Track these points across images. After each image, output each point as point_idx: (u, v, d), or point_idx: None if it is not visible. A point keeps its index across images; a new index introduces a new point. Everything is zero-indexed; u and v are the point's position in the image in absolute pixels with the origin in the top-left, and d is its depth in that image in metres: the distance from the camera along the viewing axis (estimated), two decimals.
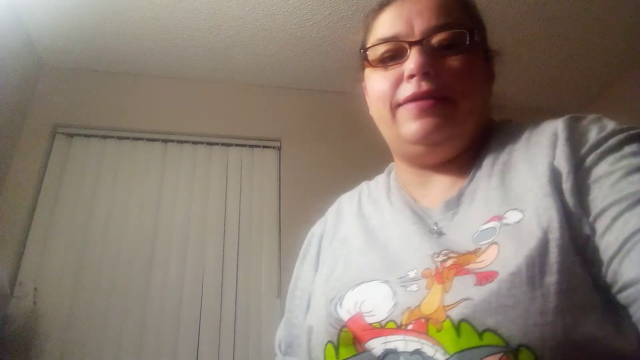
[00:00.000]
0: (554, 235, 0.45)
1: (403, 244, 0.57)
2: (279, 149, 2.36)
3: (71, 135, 2.20)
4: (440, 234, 0.55)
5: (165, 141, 2.26)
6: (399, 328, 0.48)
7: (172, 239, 2.07)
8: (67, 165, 2.14)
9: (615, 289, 0.43)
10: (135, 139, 2.24)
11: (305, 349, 0.58)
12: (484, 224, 0.51)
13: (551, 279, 0.43)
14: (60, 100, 2.22)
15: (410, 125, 0.58)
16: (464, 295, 0.45)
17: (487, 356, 0.41)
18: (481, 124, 0.62)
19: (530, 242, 0.45)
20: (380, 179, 0.73)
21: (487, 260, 0.47)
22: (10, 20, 1.94)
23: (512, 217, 0.49)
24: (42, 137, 2.14)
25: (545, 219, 0.46)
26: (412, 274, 0.52)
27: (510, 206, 0.51)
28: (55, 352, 1.78)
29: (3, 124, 1.97)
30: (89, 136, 2.21)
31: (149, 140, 2.25)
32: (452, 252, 0.51)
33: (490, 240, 0.49)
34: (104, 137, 2.22)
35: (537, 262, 0.44)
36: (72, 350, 1.79)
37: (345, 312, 0.53)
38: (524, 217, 0.48)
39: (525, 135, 0.57)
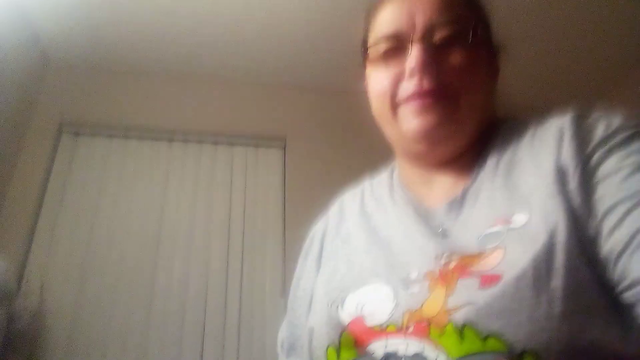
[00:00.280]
0: (560, 238, 0.44)
1: (406, 244, 0.56)
2: (284, 147, 2.36)
3: (77, 134, 2.21)
4: (444, 235, 0.54)
5: (170, 140, 2.27)
6: (400, 331, 0.47)
7: (177, 237, 2.07)
8: (73, 163, 2.15)
9: (621, 286, 0.42)
10: (140, 137, 2.24)
11: (306, 350, 0.57)
12: (489, 226, 0.50)
13: (557, 282, 0.42)
14: (66, 99, 2.23)
15: (411, 122, 0.57)
16: (467, 299, 0.44)
17: None
18: (485, 121, 0.61)
19: (536, 245, 0.44)
20: (384, 176, 0.71)
21: (492, 263, 0.46)
22: (15, 17, 1.95)
23: (518, 220, 0.48)
24: (48, 135, 2.15)
25: (552, 222, 0.45)
26: (414, 275, 0.51)
27: (515, 208, 0.49)
28: (60, 349, 1.79)
29: (9, 121, 1.98)
30: (94, 134, 2.22)
31: (154, 139, 2.25)
32: (456, 253, 0.50)
33: (496, 244, 0.47)
34: (110, 135, 2.23)
35: (543, 265, 0.43)
36: (77, 348, 1.81)
37: (346, 315, 0.52)
38: (530, 219, 0.47)
39: (530, 133, 0.56)
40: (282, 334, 0.70)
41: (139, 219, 2.08)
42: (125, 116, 2.26)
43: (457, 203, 0.56)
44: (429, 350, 0.44)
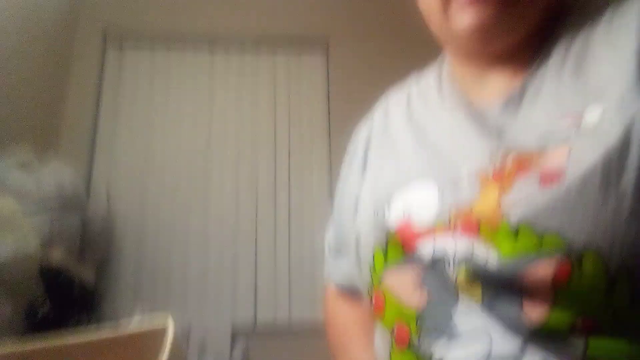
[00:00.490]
0: (638, 132, 0.39)
1: (456, 144, 0.53)
2: (327, 50, 2.27)
3: (121, 45, 2.22)
4: (500, 134, 0.50)
5: (212, 45, 2.24)
6: (449, 229, 0.46)
7: (226, 144, 2.14)
8: (122, 74, 2.19)
9: None
10: (182, 45, 2.23)
11: (353, 253, 0.58)
12: (554, 123, 0.45)
13: (629, 177, 0.38)
14: (109, 7, 2.21)
15: (463, 16, 0.50)
16: (525, 197, 0.42)
17: (547, 258, 0.39)
18: (551, 5, 0.52)
19: (608, 140, 0.40)
20: (431, 75, 0.66)
21: (555, 160, 0.42)
22: None
23: (590, 115, 0.43)
24: (94, 48, 2.18)
25: (629, 114, 0.40)
26: (464, 175, 0.49)
27: (587, 101, 0.44)
28: (131, 249, 1.99)
29: (56, 31, 2.00)
30: (138, 44, 2.22)
31: (195, 46, 2.23)
32: (514, 152, 0.46)
33: (561, 141, 0.43)
34: (153, 45, 2.22)
35: (615, 161, 0.39)
36: (145, 247, 1.99)
37: (393, 216, 0.51)
38: (603, 113, 0.42)
39: (608, 15, 0.48)
40: (329, 236, 0.71)
41: (189, 127, 2.15)
42: (166, 20, 2.23)
43: (515, 100, 0.51)
44: (479, 248, 0.43)
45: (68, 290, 1.41)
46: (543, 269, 0.39)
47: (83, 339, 0.53)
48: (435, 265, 0.46)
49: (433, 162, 0.53)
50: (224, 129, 2.16)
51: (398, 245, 0.50)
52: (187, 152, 2.12)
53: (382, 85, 0.80)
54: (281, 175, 2.12)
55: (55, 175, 1.61)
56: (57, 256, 1.45)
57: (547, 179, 0.41)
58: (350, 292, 0.66)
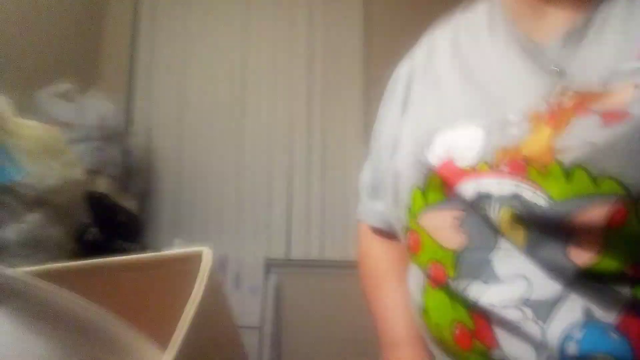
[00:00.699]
0: None
1: (507, 84, 0.50)
2: None
3: None
4: (559, 72, 0.46)
5: None
6: (492, 170, 0.44)
7: (261, 81, 2.13)
8: (158, 9, 2.17)
9: None
10: None
11: (390, 192, 0.56)
12: (621, 61, 0.41)
13: None
14: None
15: None
16: (584, 138, 0.39)
17: (602, 204, 0.37)
18: None
19: None
20: (481, 8, 0.61)
21: (620, 100, 0.39)
22: None
23: None
24: None
25: None
26: (513, 117, 0.46)
27: None
28: (171, 182, 2.06)
29: None
30: None
31: None
32: (573, 91, 0.43)
33: (628, 78, 0.40)
34: None
35: None
36: (183, 179, 2.06)
37: (434, 156, 0.49)
38: None
39: None
40: (365, 176, 0.70)
41: (225, 63, 2.14)
42: None
43: (576, 35, 0.47)
44: (526, 190, 0.41)
45: (112, 217, 1.49)
46: (597, 213, 0.37)
47: (123, 259, 0.56)
48: (477, 206, 0.44)
49: (480, 100, 0.51)
50: (259, 63, 2.13)
51: (438, 185, 0.48)
52: (223, 88, 2.12)
53: (424, 16, 0.74)
54: (315, 111, 2.10)
55: (96, 107, 1.64)
56: (101, 184, 1.51)
57: (610, 118, 0.38)
58: (384, 233, 0.66)
